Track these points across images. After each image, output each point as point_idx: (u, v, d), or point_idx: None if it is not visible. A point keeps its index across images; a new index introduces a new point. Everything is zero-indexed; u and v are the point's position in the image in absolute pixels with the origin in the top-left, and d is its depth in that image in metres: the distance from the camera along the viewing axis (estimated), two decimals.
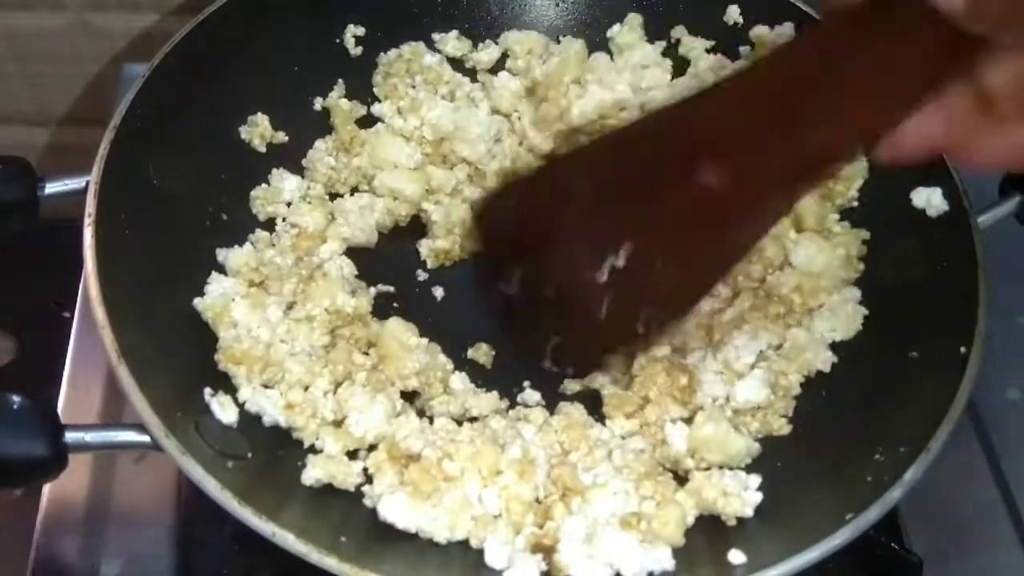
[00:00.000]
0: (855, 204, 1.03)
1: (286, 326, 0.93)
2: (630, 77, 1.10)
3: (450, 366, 0.96)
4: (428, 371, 0.94)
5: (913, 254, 0.96)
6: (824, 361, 0.94)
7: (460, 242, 1.03)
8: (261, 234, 1.01)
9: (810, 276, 0.97)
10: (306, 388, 0.90)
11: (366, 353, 0.94)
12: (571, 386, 0.96)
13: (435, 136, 1.07)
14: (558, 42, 1.14)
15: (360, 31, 1.12)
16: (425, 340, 0.95)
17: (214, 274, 0.95)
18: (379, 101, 1.11)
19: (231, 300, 0.92)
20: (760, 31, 1.11)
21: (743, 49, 1.13)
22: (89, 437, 0.78)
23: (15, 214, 0.93)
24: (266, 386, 0.89)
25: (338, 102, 1.10)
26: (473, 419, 0.92)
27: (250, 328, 0.91)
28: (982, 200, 0.97)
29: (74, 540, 0.95)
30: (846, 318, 0.96)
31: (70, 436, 0.77)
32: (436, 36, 1.15)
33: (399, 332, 0.94)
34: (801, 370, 0.94)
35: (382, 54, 1.12)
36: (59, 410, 0.96)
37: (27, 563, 0.94)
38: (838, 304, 0.96)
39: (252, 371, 0.89)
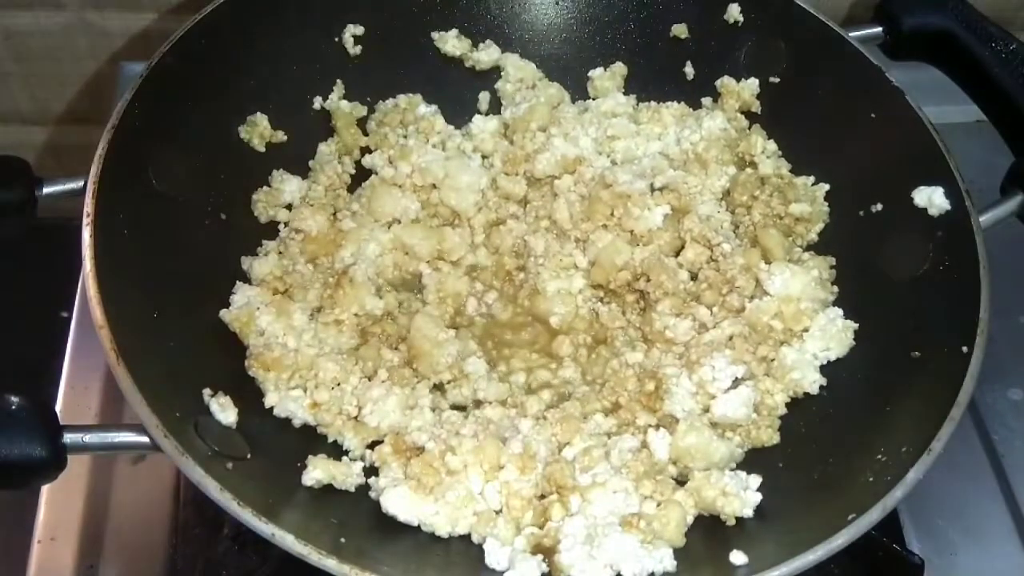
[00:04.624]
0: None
1: (313, 331, 0.93)
2: (595, 130, 1.11)
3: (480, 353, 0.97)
4: (459, 363, 0.94)
5: (914, 253, 0.96)
6: (812, 383, 0.94)
7: (451, 312, 1.00)
8: (269, 244, 1.01)
9: (788, 301, 0.97)
10: (337, 385, 0.90)
11: (396, 348, 0.95)
12: (541, 375, 0.96)
13: (424, 182, 1.06)
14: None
15: (359, 30, 1.11)
16: (453, 332, 0.96)
17: (238, 284, 0.96)
18: (370, 151, 1.10)
19: (256, 309, 0.93)
20: (727, 82, 1.12)
21: (705, 100, 1.13)
22: (88, 438, 0.78)
23: (13, 215, 0.93)
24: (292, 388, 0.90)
25: (339, 104, 1.10)
26: (478, 403, 0.93)
27: (277, 335, 0.92)
28: (983, 200, 0.97)
29: (73, 541, 0.95)
30: (837, 335, 0.96)
31: (69, 437, 0.77)
32: (435, 35, 1.14)
33: (428, 328, 0.94)
34: (787, 390, 0.94)
35: (380, 102, 1.12)
36: (58, 410, 0.96)
37: (27, 563, 0.94)
38: (826, 324, 0.96)
39: (281, 377, 0.90)
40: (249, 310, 0.93)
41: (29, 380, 1.01)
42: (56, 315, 1.15)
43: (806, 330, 0.97)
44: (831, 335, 0.96)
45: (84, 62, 1.36)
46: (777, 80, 1.11)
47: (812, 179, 1.07)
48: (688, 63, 1.14)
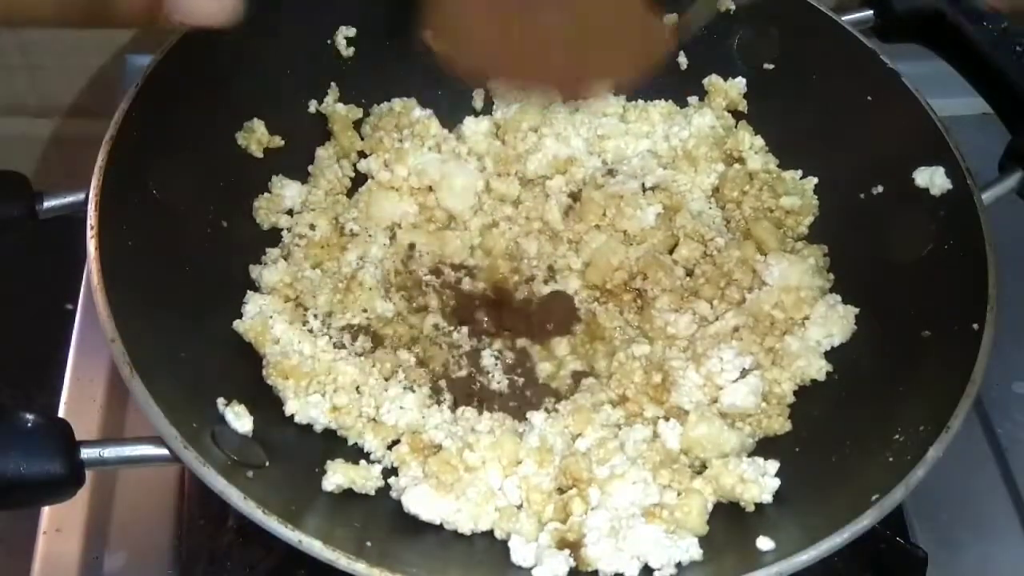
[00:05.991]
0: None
1: (327, 336, 0.93)
2: (587, 130, 1.11)
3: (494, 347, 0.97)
4: (474, 359, 0.95)
5: (918, 234, 0.96)
6: (818, 370, 0.95)
7: (457, 314, 1.00)
8: (273, 251, 1.00)
9: (788, 290, 0.98)
10: (357, 389, 0.90)
11: (410, 349, 0.95)
12: (544, 367, 0.96)
13: (421, 184, 1.06)
14: None
15: (351, 32, 1.11)
16: (465, 329, 0.96)
17: (249, 293, 0.95)
18: (366, 156, 1.10)
19: (269, 318, 0.93)
20: (714, 80, 1.13)
21: (692, 99, 1.14)
22: (106, 453, 0.77)
23: (13, 230, 0.92)
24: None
25: (334, 107, 1.10)
26: (490, 394, 0.93)
27: (292, 343, 0.92)
28: (982, 178, 0.97)
29: (78, 532, 0.94)
30: (838, 321, 0.97)
31: (86, 453, 0.76)
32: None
33: (441, 329, 0.95)
34: (794, 379, 0.94)
35: (375, 106, 1.12)
36: (63, 402, 0.97)
37: (32, 555, 0.93)
38: (826, 311, 0.97)
39: (300, 384, 0.89)
40: (263, 319, 0.93)
41: (34, 372, 1.00)
42: (61, 307, 1.14)
43: (807, 318, 0.98)
44: (832, 321, 0.97)
45: (89, 55, 1.34)
46: (771, 67, 1.11)
47: (800, 173, 1.08)
48: (681, 53, 1.14)
